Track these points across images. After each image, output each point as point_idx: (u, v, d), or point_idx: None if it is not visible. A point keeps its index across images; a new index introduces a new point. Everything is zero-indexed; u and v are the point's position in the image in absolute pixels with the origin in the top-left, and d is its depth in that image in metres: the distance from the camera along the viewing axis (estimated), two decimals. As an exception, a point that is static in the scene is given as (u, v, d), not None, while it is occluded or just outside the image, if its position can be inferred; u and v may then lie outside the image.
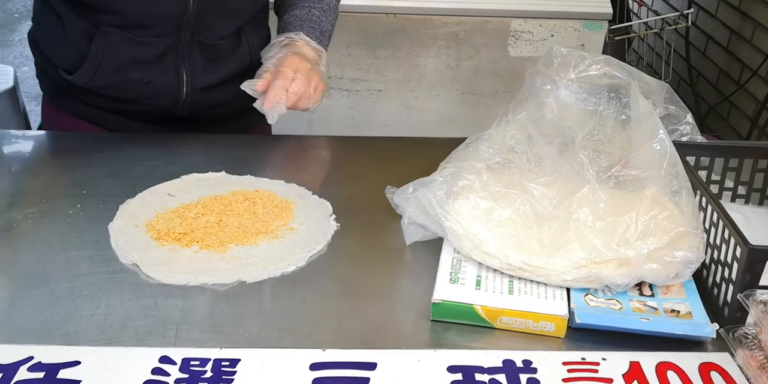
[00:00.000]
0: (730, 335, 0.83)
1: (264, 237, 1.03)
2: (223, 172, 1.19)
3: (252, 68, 1.33)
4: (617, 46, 2.45)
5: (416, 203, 0.99)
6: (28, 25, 1.44)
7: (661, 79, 2.48)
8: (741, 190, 1.12)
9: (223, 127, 1.44)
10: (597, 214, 0.94)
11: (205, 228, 1.04)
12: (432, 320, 0.89)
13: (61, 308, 0.89)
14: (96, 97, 1.33)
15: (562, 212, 0.95)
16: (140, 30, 1.26)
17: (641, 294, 0.92)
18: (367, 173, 1.21)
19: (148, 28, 1.26)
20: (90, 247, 1.00)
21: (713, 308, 0.91)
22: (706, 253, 0.94)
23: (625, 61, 2.48)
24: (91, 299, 0.91)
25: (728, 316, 0.88)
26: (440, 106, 2.21)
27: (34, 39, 1.37)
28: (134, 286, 0.93)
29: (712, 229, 0.94)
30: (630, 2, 2.64)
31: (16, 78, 2.41)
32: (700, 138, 1.15)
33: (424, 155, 1.14)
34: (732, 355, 0.84)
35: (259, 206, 1.10)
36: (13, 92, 2.42)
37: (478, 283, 0.91)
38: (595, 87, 1.08)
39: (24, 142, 1.32)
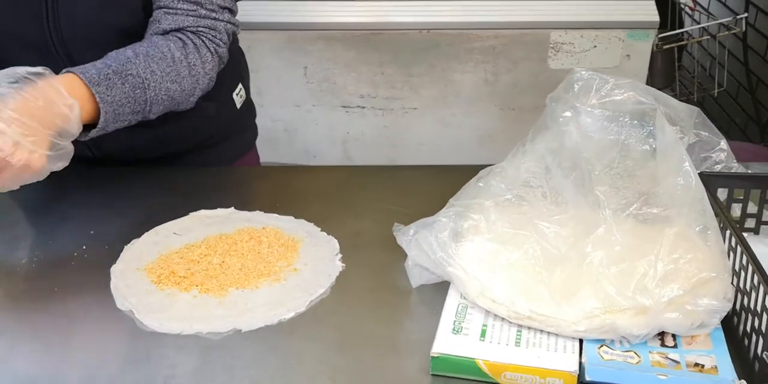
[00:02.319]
0: (758, 395, 0.76)
1: (266, 279, 0.99)
2: (231, 208, 1.16)
3: None
4: (667, 54, 2.35)
5: (418, 246, 0.93)
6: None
7: (715, 86, 2.38)
8: (781, 223, 1.03)
9: (183, 162, 1.37)
10: (612, 257, 0.87)
11: (206, 270, 1.00)
12: (432, 374, 0.83)
13: (52, 360, 0.86)
14: None
15: (576, 254, 0.88)
16: (14, 61, 1.06)
17: (663, 344, 0.85)
18: (379, 207, 1.16)
19: (19, 59, 1.05)
20: (90, 293, 0.98)
21: (743, 361, 0.83)
22: (735, 299, 0.86)
23: (676, 70, 2.36)
24: (84, 350, 0.88)
25: (758, 372, 0.80)
26: (479, 122, 2.15)
27: None
28: (128, 335, 0.90)
29: (742, 273, 0.86)
30: (682, 6, 2.52)
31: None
32: (736, 166, 1.06)
33: (442, 185, 1.08)
34: (759, 417, 0.76)
35: (265, 245, 1.06)
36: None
37: (483, 334, 0.85)
38: (618, 114, 1.01)
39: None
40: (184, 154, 1.36)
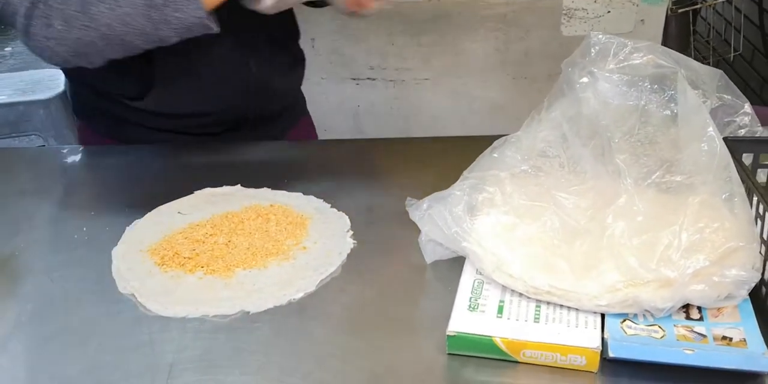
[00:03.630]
0: (791, 370, 0.72)
1: (274, 258, 0.96)
2: (238, 186, 1.12)
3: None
4: (682, 19, 2.28)
5: (431, 221, 0.90)
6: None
7: (731, 51, 2.31)
8: (811, 187, 0.99)
9: (264, 128, 1.37)
10: (634, 228, 0.82)
11: (212, 251, 0.97)
12: (449, 354, 0.80)
13: (50, 348, 0.83)
14: (161, 119, 1.28)
15: (596, 226, 0.84)
16: None
17: (688, 317, 0.81)
18: (391, 180, 1.13)
19: None
20: (90, 277, 0.95)
21: (774, 333, 0.79)
22: (764, 269, 0.82)
23: (692, 34, 2.30)
24: (84, 337, 0.85)
25: (790, 344, 0.76)
26: (491, 93, 2.09)
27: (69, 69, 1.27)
28: (130, 320, 0.87)
29: (771, 242, 0.82)
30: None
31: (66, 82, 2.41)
32: (760, 130, 1.01)
33: (456, 157, 1.03)
34: (793, 392, 0.72)
35: (273, 223, 1.02)
36: (65, 96, 2.42)
37: (500, 310, 0.82)
38: (637, 78, 0.96)
39: (31, 160, 1.28)
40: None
